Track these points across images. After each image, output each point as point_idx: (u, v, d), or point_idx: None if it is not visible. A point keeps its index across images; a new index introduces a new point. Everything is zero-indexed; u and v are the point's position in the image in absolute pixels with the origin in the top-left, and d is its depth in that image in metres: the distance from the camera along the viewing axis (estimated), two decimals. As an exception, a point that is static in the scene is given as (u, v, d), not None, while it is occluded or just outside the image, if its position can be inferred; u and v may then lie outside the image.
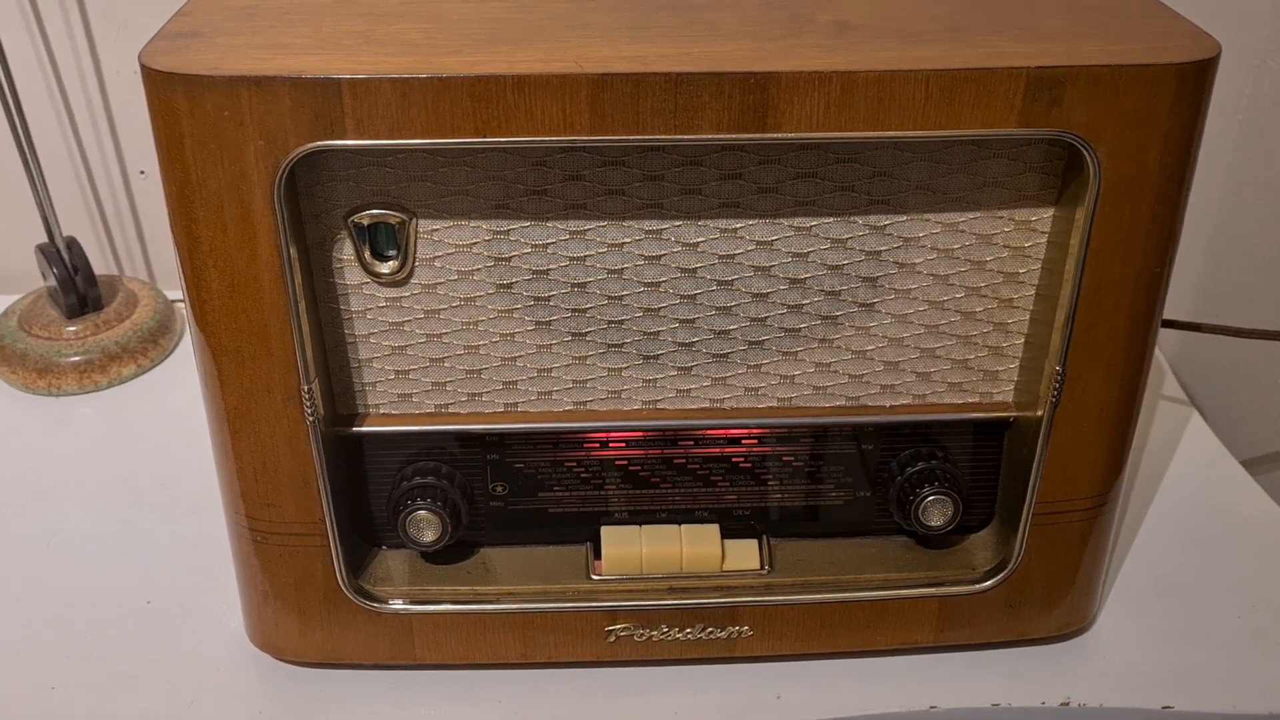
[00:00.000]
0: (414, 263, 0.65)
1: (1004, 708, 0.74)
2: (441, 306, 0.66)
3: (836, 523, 0.75)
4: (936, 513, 0.71)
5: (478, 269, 0.65)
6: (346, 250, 0.64)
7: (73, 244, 1.03)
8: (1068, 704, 0.74)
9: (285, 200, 0.59)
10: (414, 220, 0.63)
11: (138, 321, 1.05)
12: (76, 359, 1.02)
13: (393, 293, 0.66)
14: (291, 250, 0.60)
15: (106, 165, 1.13)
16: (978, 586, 0.73)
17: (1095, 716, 0.74)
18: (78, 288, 1.02)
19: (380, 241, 0.64)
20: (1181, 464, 0.96)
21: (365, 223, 0.63)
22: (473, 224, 0.64)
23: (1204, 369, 1.18)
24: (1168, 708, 0.74)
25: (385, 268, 0.64)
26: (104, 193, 1.15)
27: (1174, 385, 1.05)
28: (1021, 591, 0.74)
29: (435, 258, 0.65)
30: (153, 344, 1.05)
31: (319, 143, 0.57)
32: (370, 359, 0.68)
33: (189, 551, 0.85)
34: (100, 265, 1.18)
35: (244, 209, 0.59)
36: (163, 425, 0.99)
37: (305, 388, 0.64)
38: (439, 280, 0.65)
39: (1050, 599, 0.75)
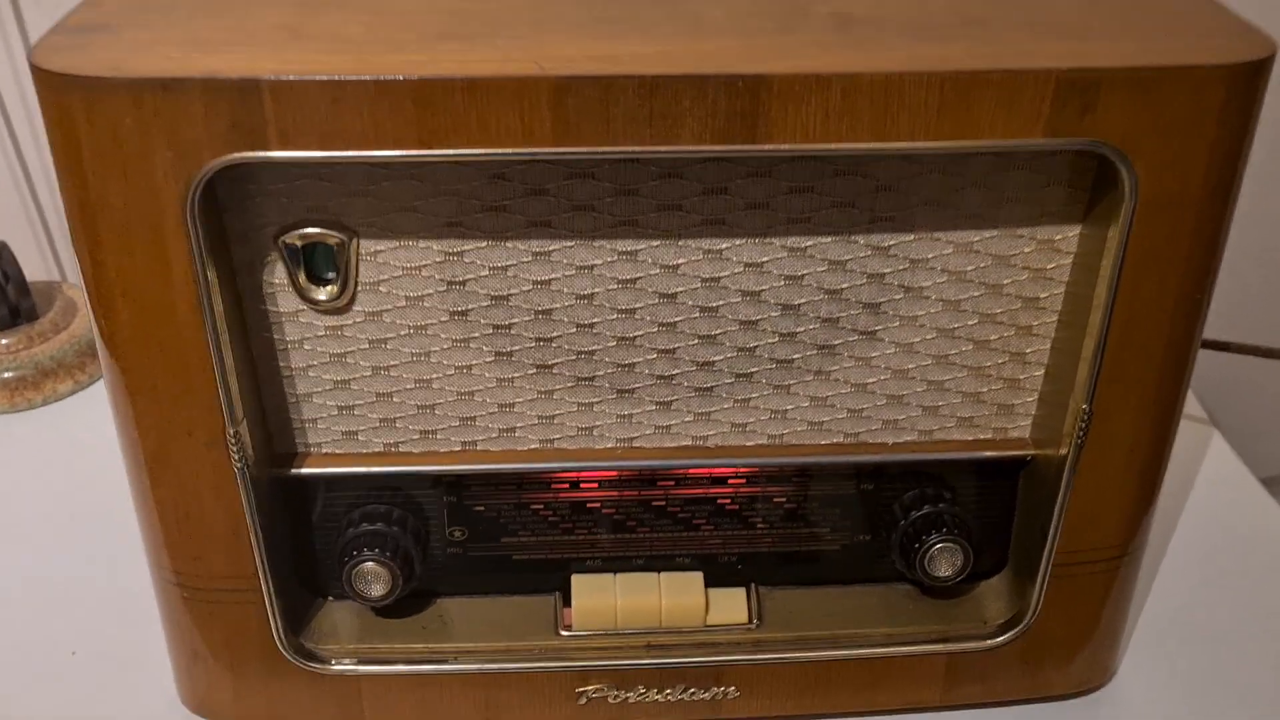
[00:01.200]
0: (356, 288, 0.57)
1: (1017, 775, 0.67)
2: (388, 336, 0.59)
3: (833, 570, 0.68)
4: (944, 562, 0.64)
5: (428, 294, 0.57)
6: (279, 274, 0.56)
7: (2, 249, 0.95)
8: (1088, 770, 0.67)
9: (202, 219, 0.51)
10: (354, 240, 0.55)
11: (76, 333, 0.97)
12: (8, 375, 0.94)
13: (333, 321, 0.58)
14: (211, 275, 0.53)
15: (45, 162, 1.05)
16: (990, 642, 0.66)
17: (1118, 784, 0.67)
18: (9, 297, 0.94)
19: (317, 264, 0.56)
20: (1204, 489, 0.89)
21: (299, 243, 0.55)
22: (422, 244, 0.56)
23: (1223, 386, 1.11)
24: (1198, 774, 0.67)
25: (323, 293, 0.57)
26: (43, 193, 1.07)
27: (1194, 403, 0.98)
28: (1038, 646, 0.67)
29: (380, 282, 0.57)
30: (92, 358, 0.97)
31: (237, 155, 0.49)
32: (310, 394, 0.60)
33: (124, 596, 0.77)
34: (40, 271, 1.10)
35: (154, 230, 0.51)
36: (103, 448, 0.91)
37: (231, 431, 0.56)
38: (385, 307, 0.58)
39: (1069, 654, 0.68)
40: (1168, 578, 0.79)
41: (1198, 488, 0.89)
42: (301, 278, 0.56)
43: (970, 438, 0.64)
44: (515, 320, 0.58)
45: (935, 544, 0.64)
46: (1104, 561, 0.64)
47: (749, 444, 0.63)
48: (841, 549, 0.67)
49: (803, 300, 0.59)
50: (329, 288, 0.57)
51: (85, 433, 0.93)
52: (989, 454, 0.64)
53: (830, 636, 0.66)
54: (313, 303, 0.57)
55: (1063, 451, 0.60)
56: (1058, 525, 0.62)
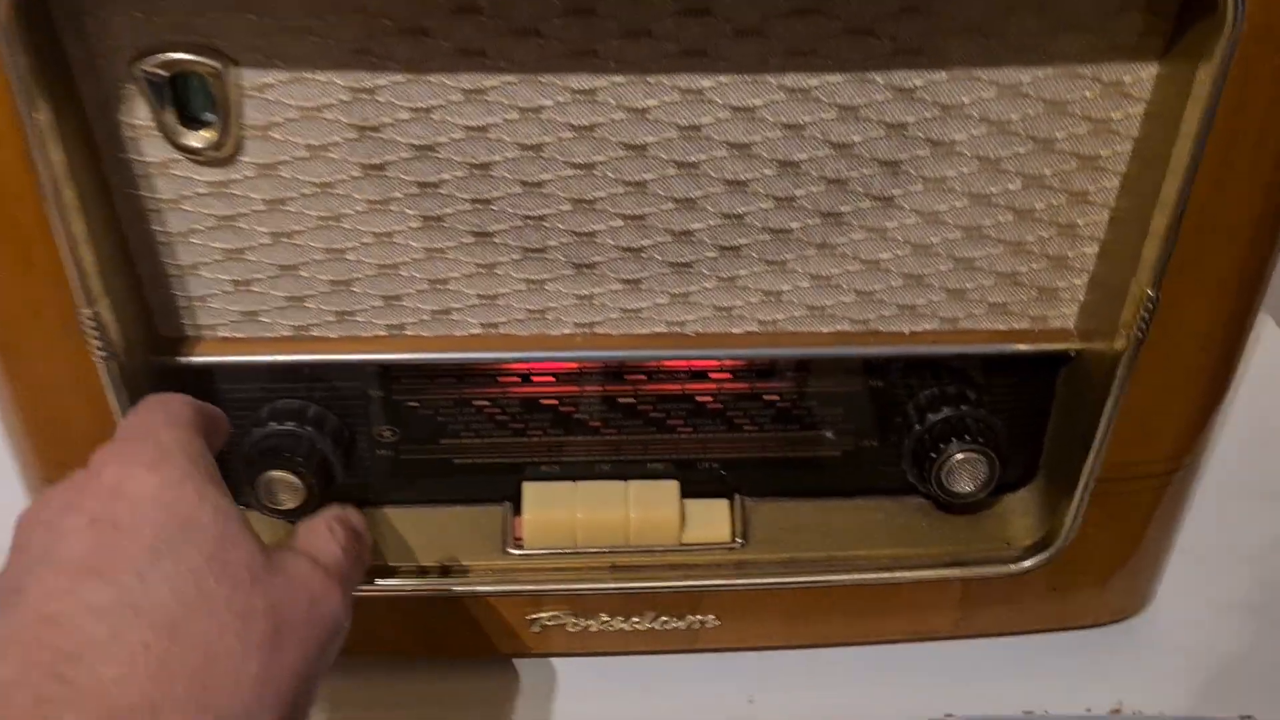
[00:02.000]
0: (240, 133, 0.45)
1: (1039, 716, 0.58)
2: (288, 195, 0.47)
3: (831, 480, 0.58)
4: (966, 476, 0.54)
5: (334, 143, 0.46)
6: (142, 114, 0.45)
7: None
8: (1119, 711, 0.58)
9: (25, 41, 0.39)
10: (234, 70, 0.44)
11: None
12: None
13: (217, 175, 0.47)
14: (43, 115, 0.41)
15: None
16: (1015, 566, 0.56)
17: (1154, 728, 0.58)
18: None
19: (191, 102, 0.45)
20: (1254, 385, 0.78)
21: (163, 74, 0.43)
22: (321, 77, 0.44)
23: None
24: (1247, 717, 0.58)
25: (199, 139, 0.45)
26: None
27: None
28: (1070, 572, 0.57)
29: (271, 126, 0.45)
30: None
31: (54, -53, 0.37)
32: (195, 265, 0.49)
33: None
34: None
35: (-43, 52, 0.39)
36: None
37: (87, 312, 0.45)
38: (281, 158, 0.46)
39: (1104, 580, 0.58)
40: (1208, 490, 0.68)
41: (1248, 382, 0.78)
42: (170, 119, 0.44)
43: (1003, 327, 0.53)
44: (445, 177, 0.47)
45: (956, 454, 0.53)
46: (1155, 477, 0.54)
47: (735, 331, 0.52)
48: (843, 456, 0.57)
49: (804, 156, 0.47)
50: (207, 132, 0.45)
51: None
52: (1025, 347, 0.53)
53: (826, 558, 0.56)
54: (188, 151, 0.45)
55: (1118, 345, 0.49)
56: (1105, 434, 0.51)
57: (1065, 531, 0.55)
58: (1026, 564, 0.56)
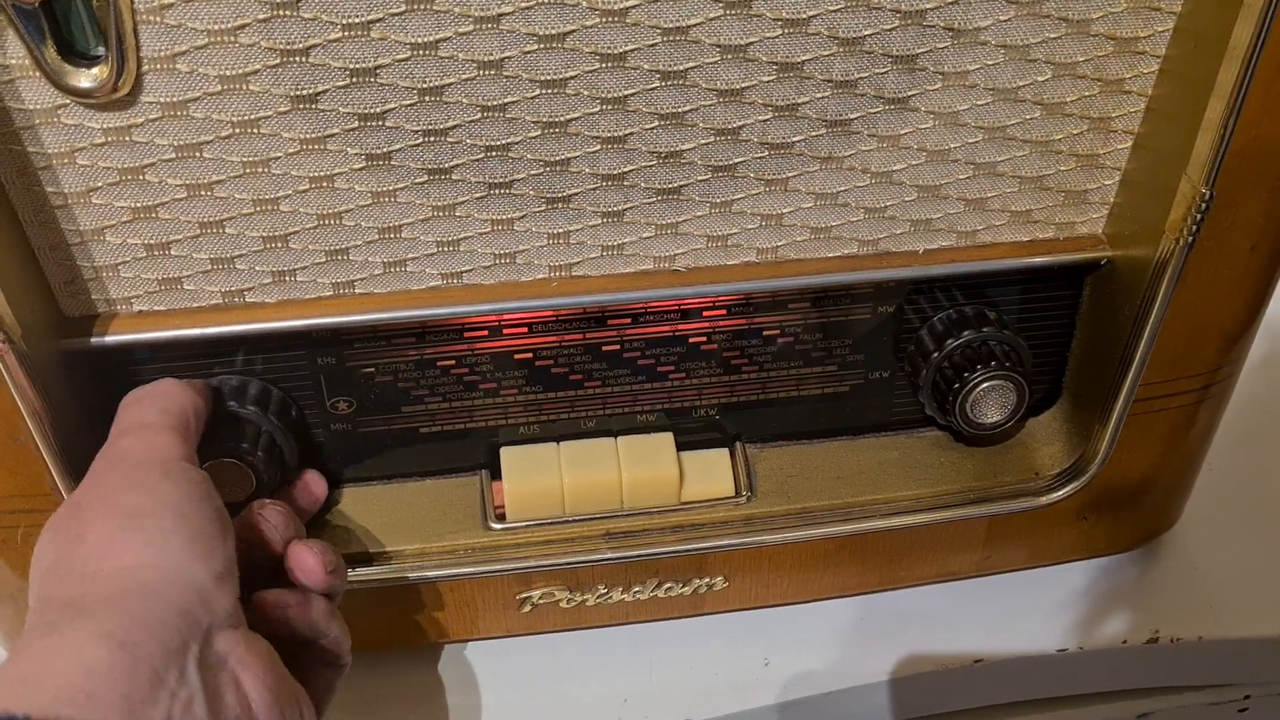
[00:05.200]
0: (138, 67, 0.37)
1: (1072, 653, 0.54)
2: (203, 138, 0.40)
3: (840, 419, 0.53)
4: (993, 405, 0.49)
5: (255, 71, 0.38)
6: (14, 50, 0.37)
7: None
8: (1156, 639, 0.54)
9: None
10: (124, -11, 0.36)
11: None
12: None
13: (115, 119, 0.39)
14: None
15: None
16: (1045, 499, 0.51)
17: (1193, 655, 0.55)
18: None
19: (74, 33, 0.37)
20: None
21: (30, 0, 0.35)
22: (232, -9, 0.36)
23: None
24: (1290, 635, 0.54)
25: (88, 78, 0.37)
26: None
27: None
28: (1101, 499, 0.52)
29: (175, 56, 0.38)
30: None
31: None
32: (100, 230, 0.42)
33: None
34: None
35: None
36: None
37: (-31, 294, 0.37)
38: (189, 95, 0.38)
39: (1135, 504, 0.54)
40: (1238, 401, 0.64)
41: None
42: (50, 55, 0.36)
43: (1025, 238, 0.48)
44: (390, 106, 0.40)
45: (981, 382, 0.48)
46: (1193, 392, 0.50)
47: (731, 264, 0.46)
48: (851, 391, 0.52)
49: (808, 56, 0.41)
50: (97, 69, 0.37)
51: None
52: (1051, 258, 0.48)
53: (841, 506, 0.51)
54: (77, 94, 0.38)
55: (1161, 251, 0.44)
56: (1148, 348, 0.46)
57: (1101, 456, 0.50)
58: (1058, 494, 0.51)
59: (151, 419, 0.42)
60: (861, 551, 0.52)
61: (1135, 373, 0.47)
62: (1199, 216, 0.42)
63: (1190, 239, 0.43)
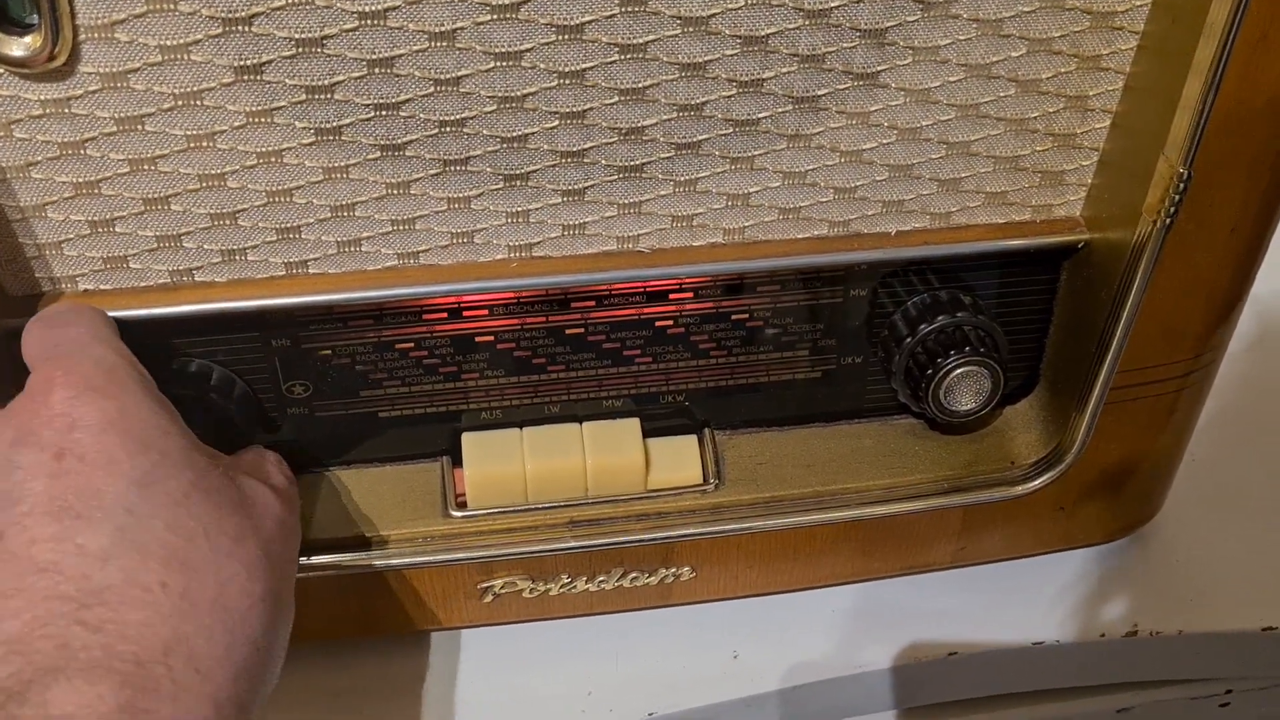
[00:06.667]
0: (75, 35, 0.36)
1: (1049, 646, 0.53)
2: (145, 111, 0.38)
3: (811, 405, 0.51)
4: (968, 392, 0.47)
5: (196, 41, 0.37)
6: (-58, 16, 0.35)
7: None
8: (1135, 633, 0.53)
9: None
10: (54, -47, 0.34)
11: None
12: None
13: (52, 90, 0.37)
14: None
15: None
16: (1022, 489, 0.50)
17: (1173, 648, 0.54)
18: None
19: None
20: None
21: (-39, -39, 0.34)
22: (169, -44, 0.35)
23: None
24: (1270, 629, 0.53)
25: (21, 46, 0.36)
26: None
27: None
28: (1079, 489, 0.51)
29: (113, 24, 0.36)
30: None
31: None
32: (40, 207, 0.40)
33: None
34: None
35: None
36: None
37: (-102, 272, 0.36)
38: (130, 65, 0.37)
39: (1115, 494, 0.52)
40: (1220, 388, 0.63)
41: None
42: (-19, 22, 0.35)
43: (1000, 220, 0.46)
44: (339, 78, 0.38)
45: (955, 367, 0.47)
46: (1173, 379, 0.48)
47: (697, 244, 0.45)
48: (823, 377, 0.50)
49: (772, 30, 0.39)
50: (30, 38, 0.36)
51: None
52: (1027, 241, 0.46)
53: (811, 495, 0.50)
54: (10, 63, 0.36)
55: (1140, 233, 0.43)
56: (1125, 334, 0.45)
57: (1078, 444, 0.49)
58: (1035, 484, 0.50)
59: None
60: (833, 542, 0.51)
61: (1112, 359, 0.46)
62: (1177, 197, 0.41)
63: (1169, 221, 0.42)
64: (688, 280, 0.47)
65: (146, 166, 0.40)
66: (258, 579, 0.37)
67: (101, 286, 0.43)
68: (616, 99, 0.40)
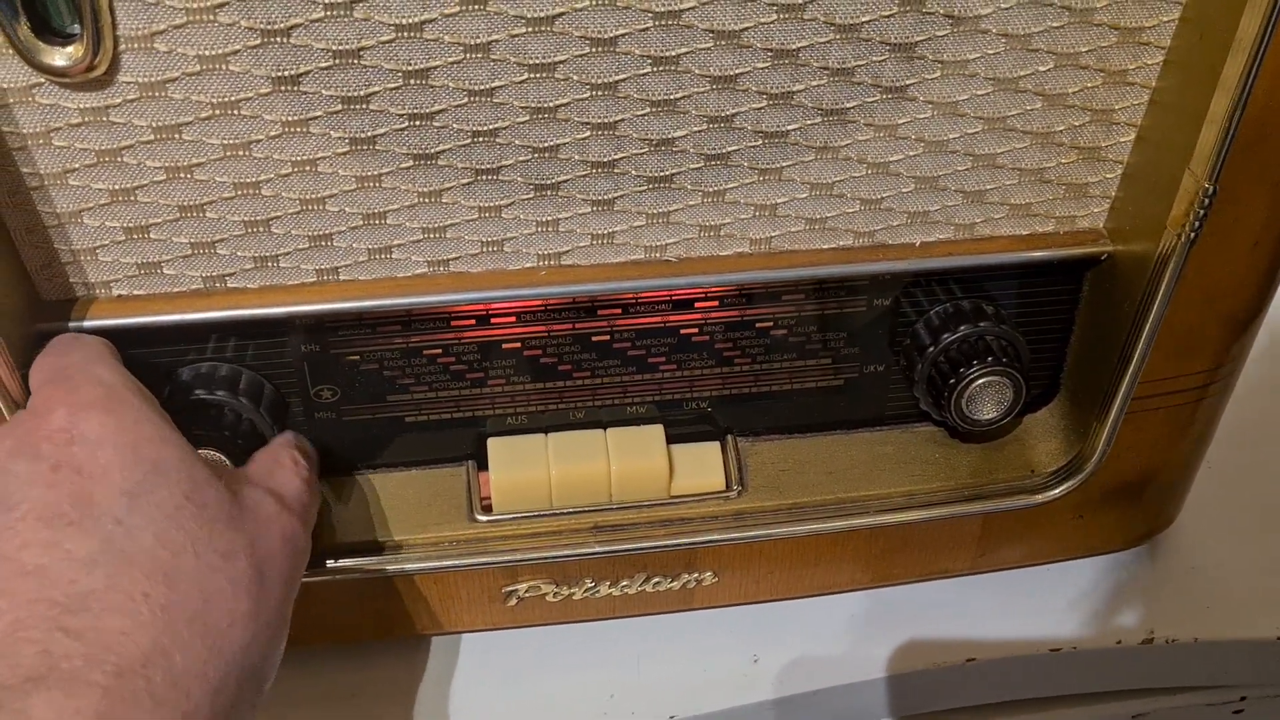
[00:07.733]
0: (115, 45, 0.36)
1: (1067, 653, 0.53)
2: (183, 120, 0.39)
3: (834, 413, 0.52)
4: (989, 401, 0.48)
5: (235, 51, 0.37)
6: (-13, 26, 0.36)
7: None
8: (1152, 640, 0.54)
9: None
10: (99, -35, 0.35)
11: None
12: None
13: (91, 99, 0.38)
14: None
15: None
16: (1042, 497, 0.50)
17: (1189, 655, 0.54)
18: None
19: (49, 9, 0.36)
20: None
21: (7, -27, 0.34)
22: (211, -31, 0.35)
23: None
24: (1287, 637, 0.54)
25: (63, 56, 0.36)
26: None
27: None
28: (1098, 497, 0.52)
29: (153, 35, 0.37)
30: None
31: None
32: (78, 213, 0.41)
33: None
34: None
35: None
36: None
37: (-60, 278, 0.36)
38: (168, 75, 0.38)
39: (1133, 503, 0.53)
40: (1238, 396, 0.63)
41: None
42: (24, 32, 0.36)
43: (1025, 232, 0.47)
44: (375, 88, 0.39)
45: (977, 377, 0.47)
46: (1193, 390, 0.49)
47: (724, 254, 0.45)
48: (846, 385, 0.51)
49: (802, 44, 0.40)
50: (72, 47, 0.36)
51: None
52: (1051, 252, 0.47)
53: (833, 502, 0.50)
54: (52, 72, 0.37)
55: (1163, 246, 0.43)
56: (1148, 345, 0.45)
57: (1099, 453, 0.49)
58: (1055, 492, 0.50)
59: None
60: (854, 548, 0.51)
61: (1134, 370, 0.46)
62: (1201, 212, 0.41)
63: (1192, 234, 0.42)
64: (714, 289, 0.47)
65: (182, 174, 0.40)
66: (244, 597, 0.37)
67: (135, 292, 0.43)
68: (648, 110, 0.41)
